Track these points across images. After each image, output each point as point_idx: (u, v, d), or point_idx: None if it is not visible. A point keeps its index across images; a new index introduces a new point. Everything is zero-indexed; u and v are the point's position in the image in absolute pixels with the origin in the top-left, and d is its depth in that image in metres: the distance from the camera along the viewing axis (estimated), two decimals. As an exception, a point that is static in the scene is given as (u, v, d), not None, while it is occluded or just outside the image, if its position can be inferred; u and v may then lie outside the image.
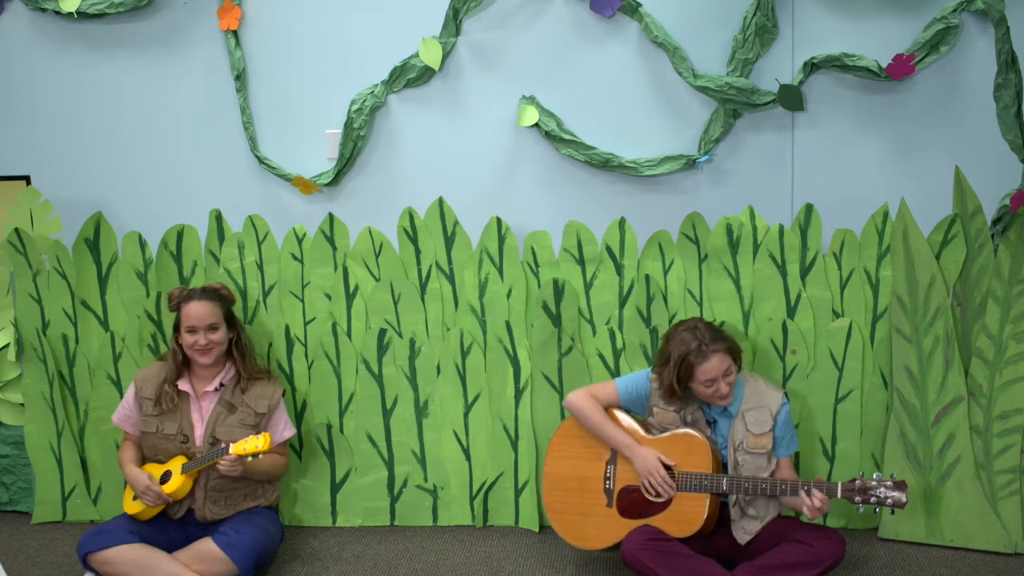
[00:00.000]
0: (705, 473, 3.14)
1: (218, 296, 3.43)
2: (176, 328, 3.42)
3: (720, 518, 3.23)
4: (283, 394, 3.50)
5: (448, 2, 3.58)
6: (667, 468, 3.20)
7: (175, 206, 3.82)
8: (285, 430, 3.48)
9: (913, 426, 3.53)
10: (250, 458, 3.20)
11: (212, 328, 3.37)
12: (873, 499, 3.00)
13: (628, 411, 3.33)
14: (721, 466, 3.19)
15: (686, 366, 3.11)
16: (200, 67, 3.76)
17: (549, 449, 3.41)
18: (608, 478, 3.28)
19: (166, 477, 3.32)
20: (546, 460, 3.42)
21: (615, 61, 3.60)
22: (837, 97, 3.53)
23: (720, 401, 3.18)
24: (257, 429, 3.38)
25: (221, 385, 3.42)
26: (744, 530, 3.20)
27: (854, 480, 3.04)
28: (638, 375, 3.36)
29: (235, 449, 3.19)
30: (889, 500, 2.99)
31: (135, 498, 3.34)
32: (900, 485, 3.00)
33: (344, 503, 3.84)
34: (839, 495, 3.03)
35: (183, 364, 3.42)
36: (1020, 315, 3.45)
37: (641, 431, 3.26)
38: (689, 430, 3.20)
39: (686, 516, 3.15)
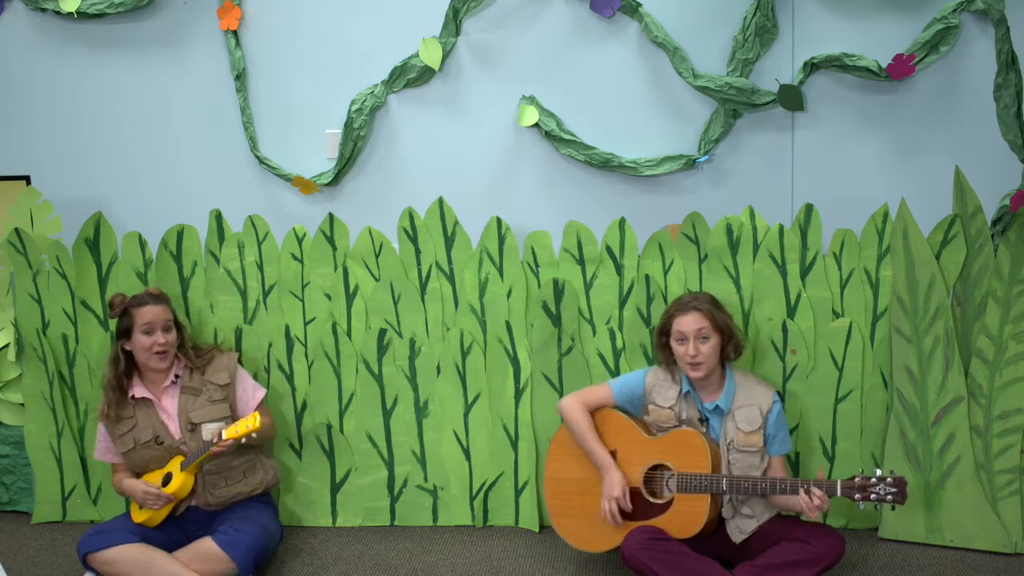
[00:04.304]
0: (705, 474, 3.13)
1: (164, 299, 3.46)
2: (123, 334, 3.40)
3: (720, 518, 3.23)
4: (238, 358, 3.55)
5: (448, 2, 3.59)
6: (663, 468, 3.21)
7: (175, 206, 3.82)
8: (256, 392, 3.51)
9: (913, 426, 3.53)
10: (244, 439, 3.20)
11: (167, 328, 3.40)
12: (873, 496, 2.99)
13: (626, 411, 3.33)
14: (720, 465, 3.19)
15: (668, 316, 3.27)
16: (200, 67, 3.77)
17: (549, 452, 3.41)
18: None
19: (168, 480, 3.32)
20: (547, 463, 3.41)
21: (615, 61, 3.60)
22: (837, 97, 3.53)
23: (692, 370, 3.18)
24: (227, 401, 3.42)
25: (176, 376, 3.44)
26: (739, 529, 3.20)
27: (853, 477, 3.02)
28: (635, 374, 3.36)
29: (228, 434, 3.20)
30: (889, 497, 2.98)
31: (141, 507, 3.35)
32: (899, 482, 2.99)
33: (344, 503, 3.84)
34: (839, 493, 3.02)
35: (126, 372, 3.42)
36: (1020, 315, 3.45)
37: (640, 430, 3.26)
38: (688, 429, 3.20)
39: (687, 518, 3.14)
